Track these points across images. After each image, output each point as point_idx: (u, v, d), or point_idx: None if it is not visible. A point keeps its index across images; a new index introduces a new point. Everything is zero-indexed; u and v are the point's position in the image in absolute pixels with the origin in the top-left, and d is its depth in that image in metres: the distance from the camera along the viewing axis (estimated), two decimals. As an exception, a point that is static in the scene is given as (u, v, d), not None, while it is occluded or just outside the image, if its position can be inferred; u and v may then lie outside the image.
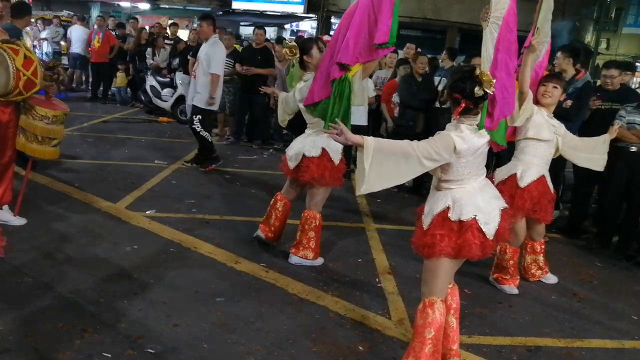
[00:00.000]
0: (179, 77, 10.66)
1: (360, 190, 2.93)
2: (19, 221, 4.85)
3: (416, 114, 7.38)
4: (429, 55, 8.42)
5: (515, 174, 4.42)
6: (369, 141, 2.89)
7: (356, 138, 2.91)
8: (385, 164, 2.90)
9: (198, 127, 7.30)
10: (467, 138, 2.96)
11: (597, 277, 5.11)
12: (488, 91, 2.92)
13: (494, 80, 2.96)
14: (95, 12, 23.54)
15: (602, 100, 5.89)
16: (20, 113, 4.66)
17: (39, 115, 4.63)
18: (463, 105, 2.94)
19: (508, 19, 3.34)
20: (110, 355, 3.12)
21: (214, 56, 7.21)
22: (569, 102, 5.24)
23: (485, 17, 3.35)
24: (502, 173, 4.52)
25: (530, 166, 4.41)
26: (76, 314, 3.51)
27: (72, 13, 19.67)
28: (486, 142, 3.09)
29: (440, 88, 7.32)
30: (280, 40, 12.34)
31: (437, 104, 7.31)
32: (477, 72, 2.92)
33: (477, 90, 2.90)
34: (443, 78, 7.43)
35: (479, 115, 3.06)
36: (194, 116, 7.31)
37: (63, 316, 3.47)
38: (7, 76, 4.29)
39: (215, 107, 7.47)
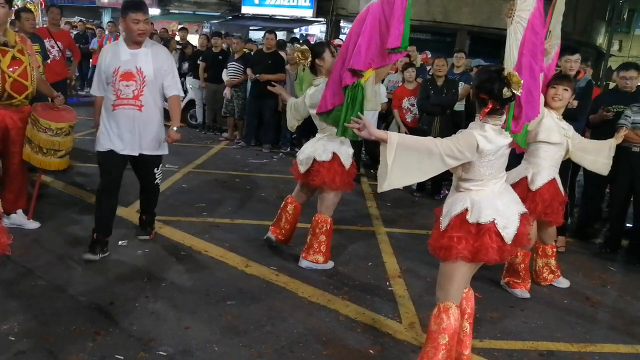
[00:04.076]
0: (189, 81, 10.74)
1: (383, 186, 2.89)
2: (33, 225, 4.90)
3: (431, 118, 7.23)
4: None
5: (525, 177, 4.42)
6: (393, 137, 2.84)
7: (380, 133, 2.87)
8: (408, 161, 2.85)
9: (160, 181, 4.89)
10: (490, 138, 2.93)
11: (610, 281, 5.07)
12: (516, 92, 2.88)
13: (522, 81, 2.92)
14: (106, 18, 23.71)
15: (618, 103, 5.78)
16: (28, 122, 4.69)
17: (43, 127, 4.65)
18: (490, 106, 2.90)
19: (534, 21, 3.24)
20: (122, 358, 3.14)
21: (173, 69, 4.56)
22: (575, 102, 5.21)
23: (509, 14, 3.27)
24: (512, 176, 4.48)
25: (541, 169, 4.40)
26: (89, 317, 3.54)
27: (84, 19, 19.87)
28: (508, 142, 3.05)
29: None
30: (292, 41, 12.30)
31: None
32: (506, 72, 2.89)
33: (506, 92, 2.86)
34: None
35: (504, 116, 3.02)
36: (156, 169, 4.71)
37: (76, 319, 3.50)
38: None
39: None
